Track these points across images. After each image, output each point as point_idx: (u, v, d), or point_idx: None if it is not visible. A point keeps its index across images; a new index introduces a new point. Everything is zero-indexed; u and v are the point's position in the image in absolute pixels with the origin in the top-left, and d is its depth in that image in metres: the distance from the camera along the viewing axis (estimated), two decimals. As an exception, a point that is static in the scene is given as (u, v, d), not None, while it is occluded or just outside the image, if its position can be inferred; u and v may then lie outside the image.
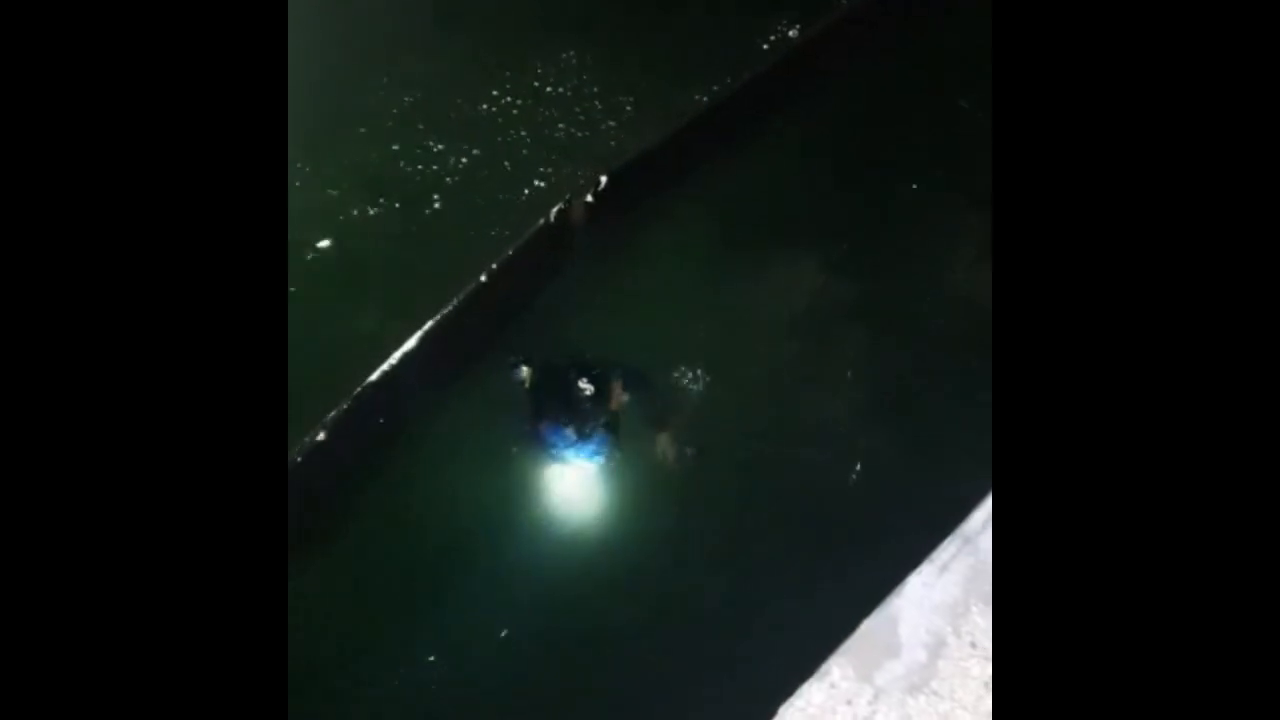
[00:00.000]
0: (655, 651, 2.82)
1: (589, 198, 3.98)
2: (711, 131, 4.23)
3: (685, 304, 3.80)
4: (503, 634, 2.94)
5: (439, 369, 3.68)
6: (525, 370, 3.51)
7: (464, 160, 4.24)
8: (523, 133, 4.31)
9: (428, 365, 3.63)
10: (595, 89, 4.41)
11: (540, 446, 3.37)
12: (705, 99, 4.23)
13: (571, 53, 4.52)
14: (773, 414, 3.42)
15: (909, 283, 3.75)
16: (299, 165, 4.10)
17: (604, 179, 3.98)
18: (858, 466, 3.13)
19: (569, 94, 4.44)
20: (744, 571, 2.96)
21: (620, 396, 3.39)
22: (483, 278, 3.76)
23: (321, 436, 3.41)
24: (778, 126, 4.29)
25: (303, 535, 3.25)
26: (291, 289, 3.59)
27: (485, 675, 2.88)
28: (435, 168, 4.24)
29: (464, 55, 4.54)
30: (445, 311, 3.69)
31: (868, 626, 2.12)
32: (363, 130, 4.31)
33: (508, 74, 4.47)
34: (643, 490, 3.30)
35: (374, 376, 3.52)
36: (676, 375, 3.53)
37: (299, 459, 3.34)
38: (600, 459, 3.34)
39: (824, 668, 2.08)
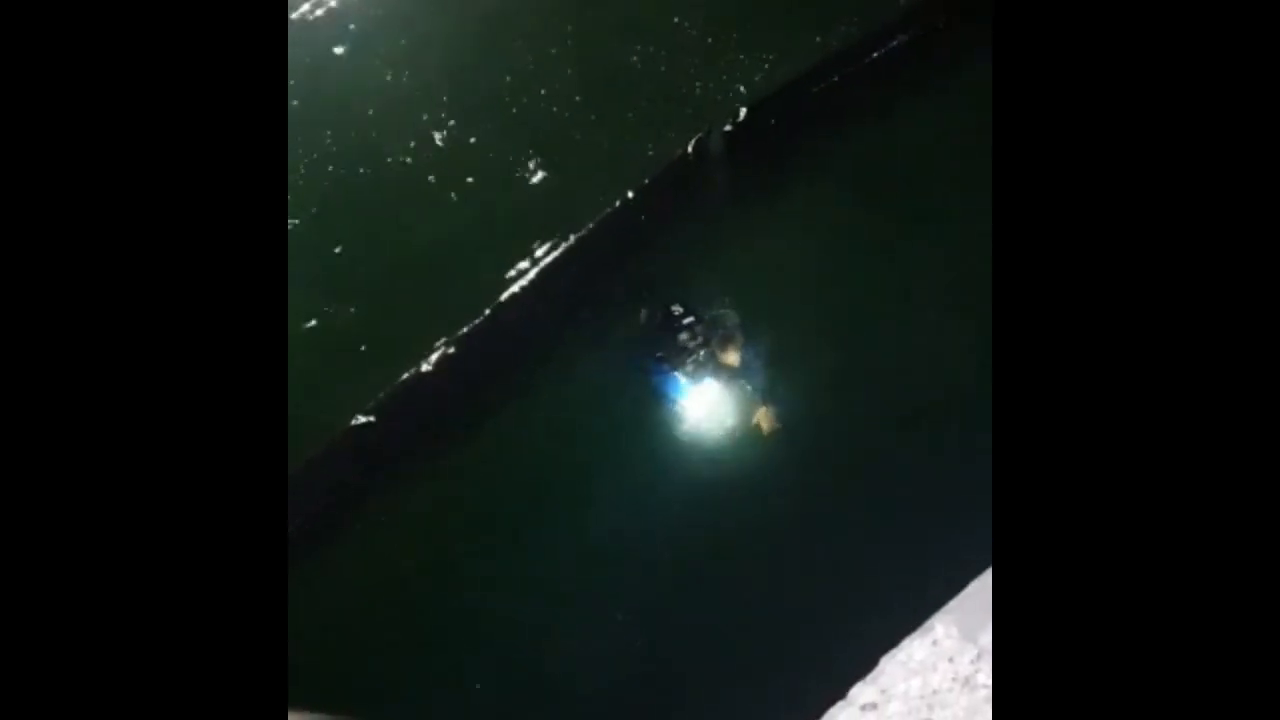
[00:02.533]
0: (761, 595, 2.87)
1: (727, 127, 3.99)
2: (855, 78, 4.13)
3: (816, 264, 3.71)
4: (600, 562, 3.04)
5: (569, 294, 3.80)
6: (644, 313, 3.58)
7: (606, 97, 4.24)
8: (663, 71, 4.27)
9: (557, 289, 3.76)
10: (735, 35, 4.31)
11: (652, 386, 3.43)
12: (840, 42, 4.15)
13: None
14: (893, 384, 3.33)
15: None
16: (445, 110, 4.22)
17: (743, 110, 4.00)
18: (973, 433, 3.06)
19: (709, 40, 4.38)
20: (854, 526, 2.97)
21: (733, 353, 3.39)
22: (616, 203, 3.82)
23: (451, 350, 3.62)
24: (930, 81, 4.10)
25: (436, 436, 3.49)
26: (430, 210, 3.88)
27: (587, 593, 3.00)
28: (577, 100, 4.25)
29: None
30: (580, 234, 3.78)
31: (976, 587, 2.12)
32: (507, 78, 4.38)
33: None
34: (757, 444, 3.31)
35: (503, 297, 3.69)
36: (794, 340, 3.49)
37: (429, 368, 3.58)
38: (709, 408, 3.37)
39: (928, 624, 2.09)
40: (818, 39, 4.16)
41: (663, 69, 4.31)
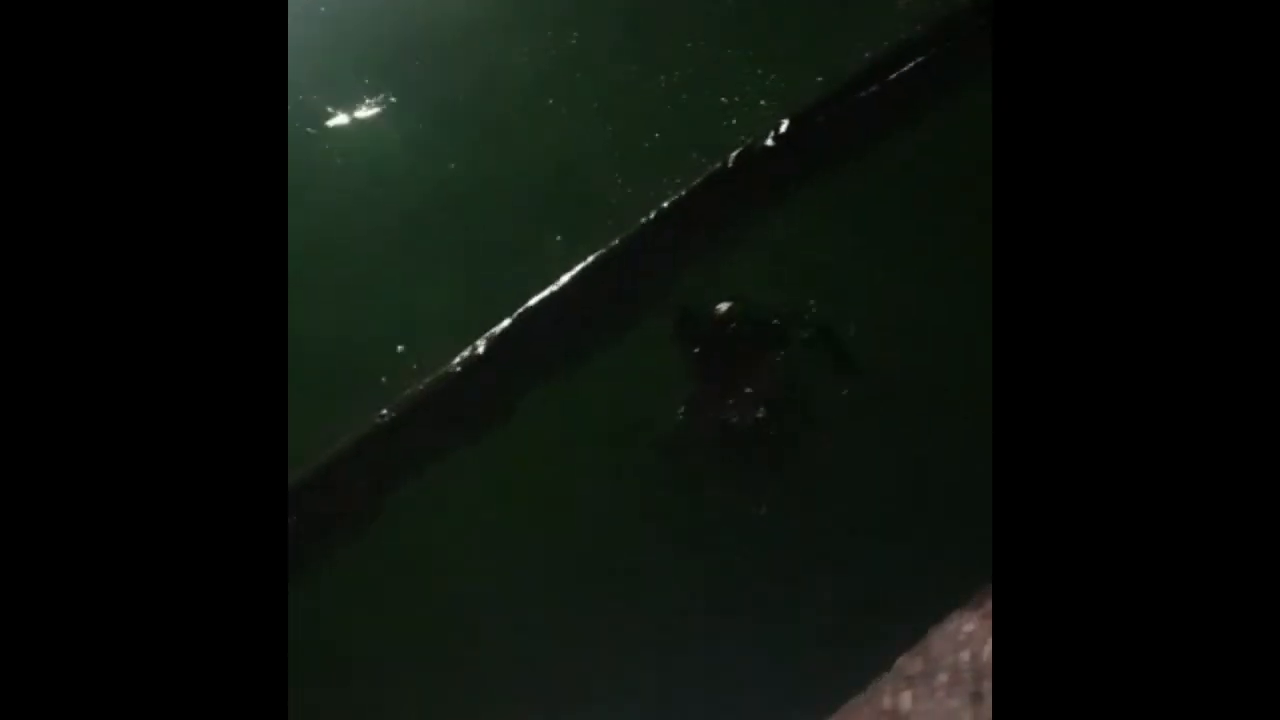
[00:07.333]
0: (811, 556, 2.78)
1: (769, 141, 3.91)
2: (895, 89, 3.96)
3: (844, 271, 3.55)
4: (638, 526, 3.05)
5: (599, 305, 3.75)
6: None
7: (641, 97, 4.12)
8: (703, 73, 4.15)
9: (588, 298, 3.72)
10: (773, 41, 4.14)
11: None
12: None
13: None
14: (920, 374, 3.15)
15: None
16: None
17: (785, 122, 3.90)
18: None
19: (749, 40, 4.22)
20: (908, 485, 2.81)
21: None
22: (651, 215, 3.78)
23: (481, 349, 3.69)
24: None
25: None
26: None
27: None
28: (618, 100, 4.15)
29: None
30: (612, 244, 3.75)
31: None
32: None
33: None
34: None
35: (532, 302, 3.70)
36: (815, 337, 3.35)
37: (459, 369, 3.60)
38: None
39: (979, 597, 2.04)
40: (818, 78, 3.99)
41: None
